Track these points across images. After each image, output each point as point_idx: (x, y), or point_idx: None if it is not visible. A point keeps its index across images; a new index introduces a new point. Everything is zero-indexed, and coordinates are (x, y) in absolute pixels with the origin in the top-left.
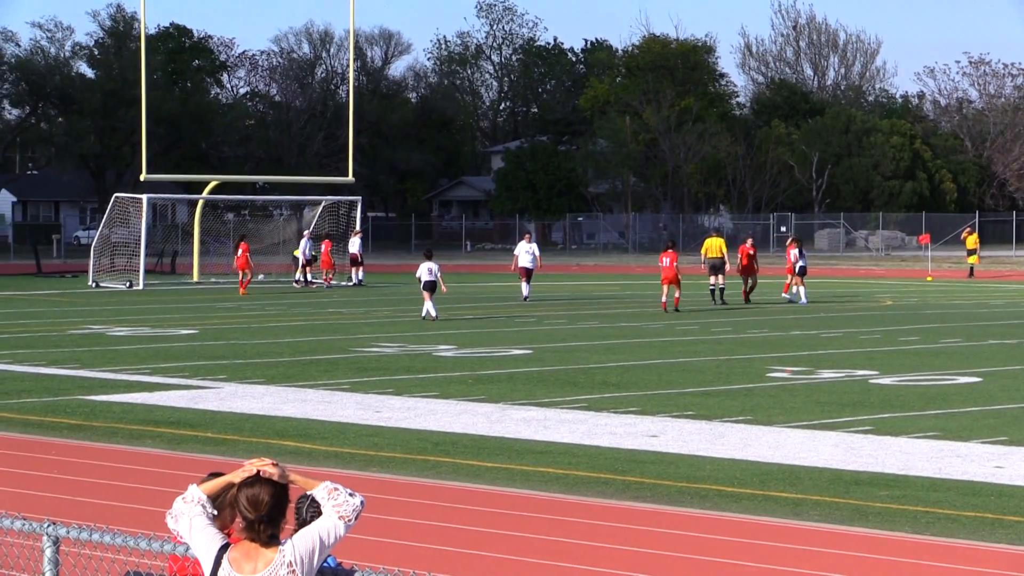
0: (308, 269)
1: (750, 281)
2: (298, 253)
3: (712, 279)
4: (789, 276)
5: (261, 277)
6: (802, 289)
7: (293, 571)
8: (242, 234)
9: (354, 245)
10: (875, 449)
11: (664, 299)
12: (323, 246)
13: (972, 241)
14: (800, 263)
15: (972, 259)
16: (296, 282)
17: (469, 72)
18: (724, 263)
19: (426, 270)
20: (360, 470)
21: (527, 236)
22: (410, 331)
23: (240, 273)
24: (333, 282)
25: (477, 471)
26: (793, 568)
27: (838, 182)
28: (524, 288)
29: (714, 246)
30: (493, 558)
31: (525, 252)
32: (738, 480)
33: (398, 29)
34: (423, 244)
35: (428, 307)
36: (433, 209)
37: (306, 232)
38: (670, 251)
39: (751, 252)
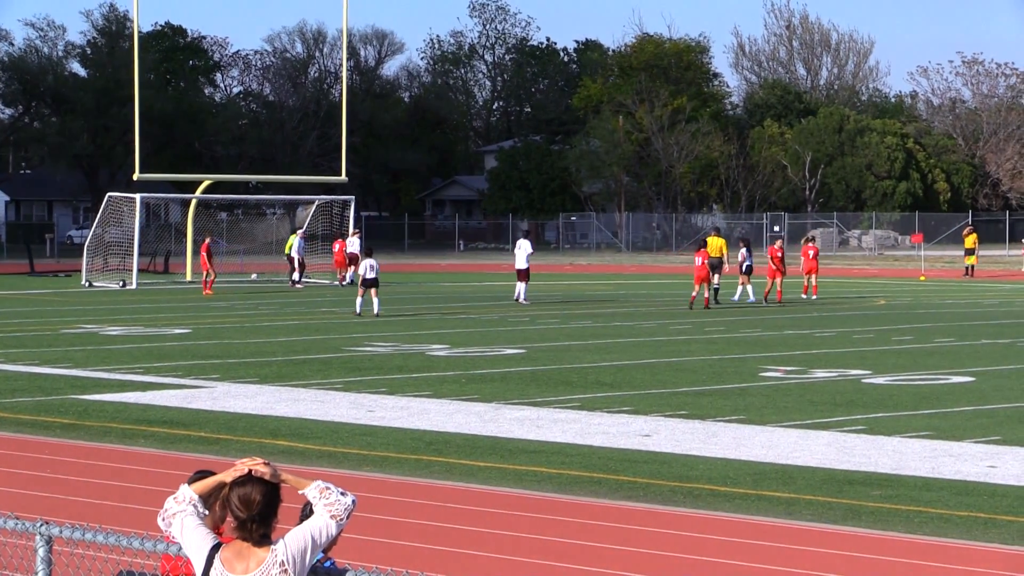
0: (297, 269)
1: (775, 282)
2: (291, 252)
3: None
4: (806, 276)
5: (254, 276)
6: (749, 288)
7: (285, 570)
8: (208, 233)
9: (353, 245)
10: (868, 449)
11: (694, 294)
12: (336, 245)
13: (971, 241)
14: (747, 263)
15: (971, 259)
16: (296, 283)
17: (462, 72)
18: (722, 263)
19: (367, 267)
20: (353, 469)
21: (527, 235)
22: (403, 331)
23: (203, 273)
24: (336, 282)
25: (470, 470)
26: (786, 568)
27: (831, 182)
28: (518, 288)
29: (714, 245)
30: (486, 557)
31: (517, 252)
32: (731, 480)
33: (391, 29)
34: (416, 243)
35: (365, 301)
36: (426, 208)
37: (299, 232)
38: (703, 250)
39: (780, 253)
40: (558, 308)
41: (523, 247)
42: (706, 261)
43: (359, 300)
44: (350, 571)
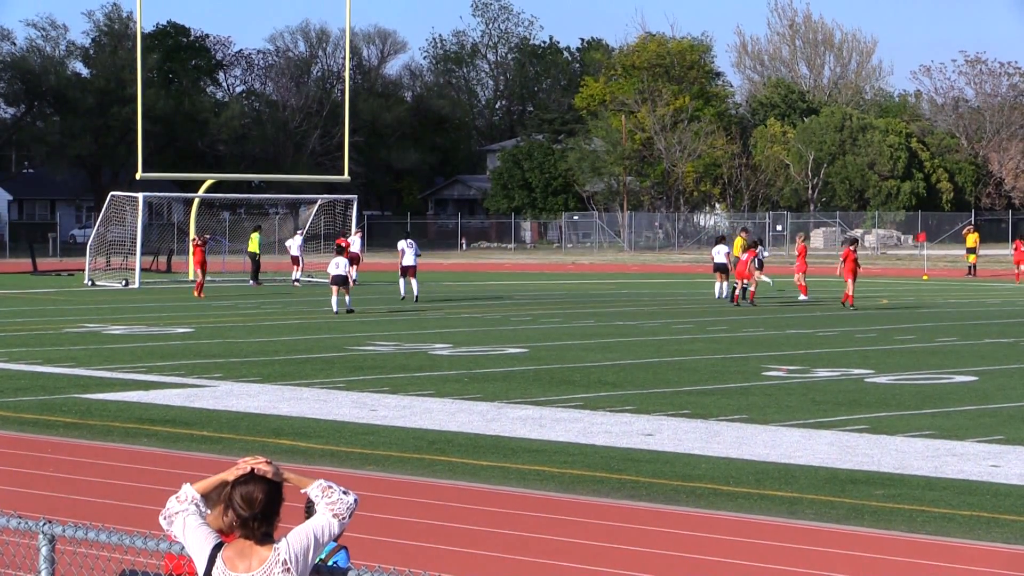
0: (295, 268)
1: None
2: (294, 250)
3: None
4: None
5: None
6: (720, 285)
7: (288, 569)
8: (201, 234)
9: (354, 244)
10: (871, 448)
11: (753, 289)
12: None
13: (972, 240)
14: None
15: (971, 257)
16: (295, 281)
17: (465, 71)
18: (736, 262)
19: (334, 265)
20: (356, 469)
21: (409, 234)
22: (406, 330)
23: (196, 274)
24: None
25: (473, 470)
26: (789, 567)
27: (833, 181)
28: (402, 285)
29: (734, 245)
30: (488, 556)
31: (407, 249)
32: (733, 479)
33: (394, 28)
34: (419, 243)
35: (338, 301)
36: (429, 208)
37: (300, 231)
38: (751, 249)
39: (855, 255)
40: (560, 307)
41: (412, 246)
42: (750, 259)
43: (335, 299)
44: (353, 570)
